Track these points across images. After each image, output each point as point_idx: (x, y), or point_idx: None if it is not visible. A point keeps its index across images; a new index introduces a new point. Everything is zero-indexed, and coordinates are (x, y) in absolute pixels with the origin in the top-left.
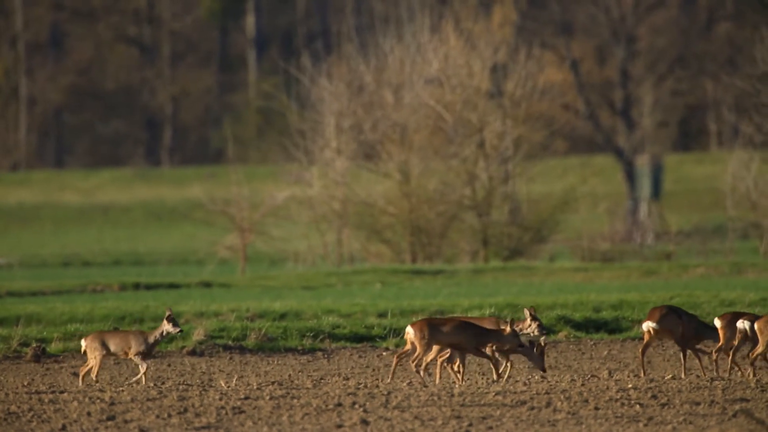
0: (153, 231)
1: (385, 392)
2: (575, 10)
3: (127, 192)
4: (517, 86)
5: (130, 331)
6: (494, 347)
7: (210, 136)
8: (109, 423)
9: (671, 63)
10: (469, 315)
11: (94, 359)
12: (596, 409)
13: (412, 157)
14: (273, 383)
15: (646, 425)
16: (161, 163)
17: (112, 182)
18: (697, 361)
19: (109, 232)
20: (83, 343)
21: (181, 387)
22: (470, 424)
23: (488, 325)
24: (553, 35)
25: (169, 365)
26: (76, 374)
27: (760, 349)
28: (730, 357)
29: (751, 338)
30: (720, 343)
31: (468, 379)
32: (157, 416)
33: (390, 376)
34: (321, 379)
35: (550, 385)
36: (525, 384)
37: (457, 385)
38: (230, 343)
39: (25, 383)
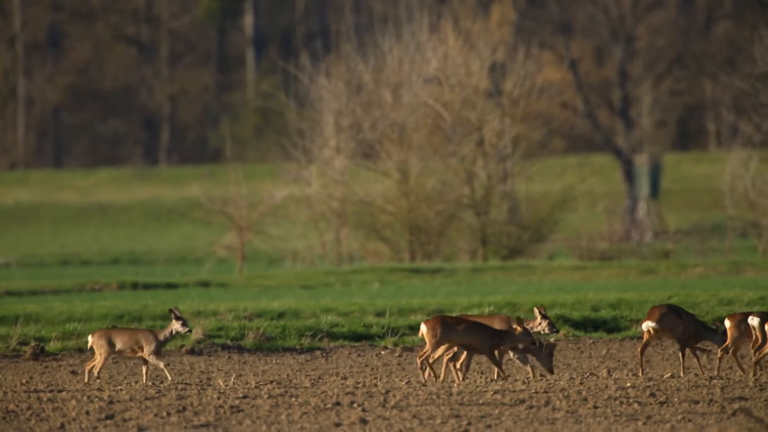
0: (151, 230)
1: (384, 391)
2: (574, 9)
3: (126, 191)
4: (516, 85)
5: (140, 330)
6: (507, 347)
7: (208, 136)
8: (108, 422)
9: (670, 62)
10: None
11: (99, 356)
12: (595, 407)
13: (411, 156)
14: (271, 382)
15: (644, 424)
16: (159, 163)
17: (111, 182)
18: (695, 360)
19: (108, 231)
20: (90, 339)
21: (179, 386)
22: (469, 423)
23: (498, 323)
24: (552, 35)
25: (167, 364)
26: (74, 372)
27: (767, 349)
28: (732, 355)
29: (760, 337)
30: (727, 343)
31: (467, 378)
32: (156, 415)
33: (425, 377)
34: (319, 378)
35: (549, 384)
36: (524, 383)
37: (456, 384)
38: (228, 342)
39: (24, 382)
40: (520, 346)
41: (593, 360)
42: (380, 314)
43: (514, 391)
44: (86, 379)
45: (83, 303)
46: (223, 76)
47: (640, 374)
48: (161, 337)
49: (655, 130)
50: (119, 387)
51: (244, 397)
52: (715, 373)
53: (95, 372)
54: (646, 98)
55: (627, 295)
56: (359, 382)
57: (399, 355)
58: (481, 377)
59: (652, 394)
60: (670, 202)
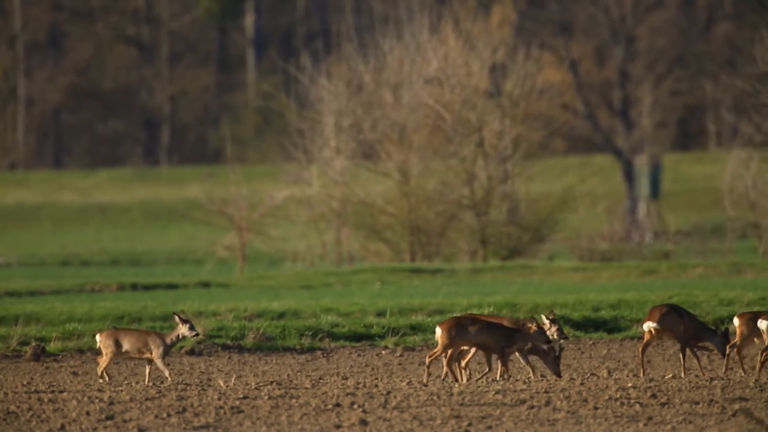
0: (151, 231)
1: (385, 392)
2: (574, 10)
3: (126, 192)
4: (516, 86)
5: (148, 332)
6: (522, 346)
7: (208, 136)
8: (108, 422)
9: (670, 63)
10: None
11: (105, 356)
12: (595, 408)
13: (411, 157)
14: (271, 383)
15: (645, 425)
16: (160, 163)
17: (111, 182)
18: (695, 360)
19: (108, 231)
20: (98, 338)
21: (179, 386)
22: (470, 424)
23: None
24: (552, 35)
25: (167, 365)
26: (75, 373)
27: None
28: (737, 353)
29: (767, 340)
30: (735, 340)
31: (466, 378)
32: (156, 416)
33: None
34: (320, 378)
35: (550, 384)
36: (524, 383)
37: (456, 385)
38: (229, 342)
39: (24, 382)
40: (529, 344)
41: (594, 360)
42: (381, 314)
43: (515, 392)
44: (106, 380)
45: (83, 303)
46: (224, 76)
47: (641, 375)
48: (168, 340)
49: (655, 130)
50: (120, 388)
51: (245, 397)
52: (723, 371)
53: (98, 370)
54: (647, 99)
55: (627, 296)
56: (360, 383)
57: (400, 356)
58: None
59: (653, 395)
60: (670, 202)
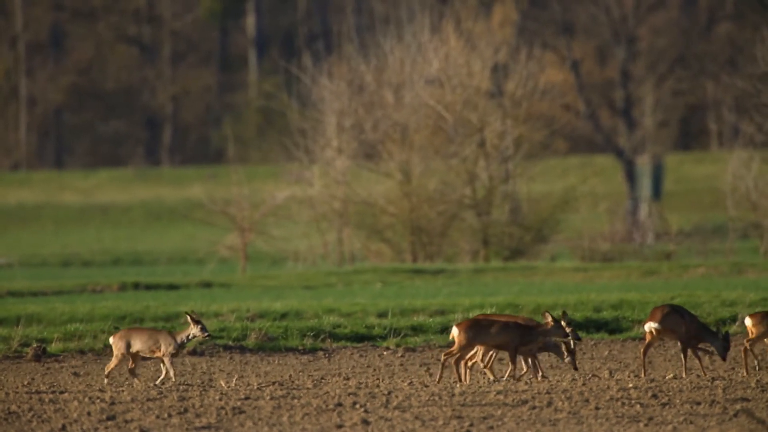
0: (153, 231)
1: (386, 392)
2: (576, 10)
3: (127, 192)
4: (518, 86)
5: (159, 331)
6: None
7: (210, 136)
8: (110, 423)
9: (672, 63)
10: (473, 314)
11: (115, 358)
12: (597, 408)
13: (413, 157)
14: (273, 383)
15: (646, 425)
16: (161, 163)
17: (112, 182)
18: (697, 361)
19: (109, 231)
20: (111, 339)
21: (181, 387)
22: (471, 424)
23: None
24: (554, 35)
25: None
26: (76, 374)
27: None
28: (744, 354)
29: None
30: (751, 337)
31: (468, 378)
32: (158, 416)
33: (464, 379)
34: (321, 378)
35: (551, 385)
36: (526, 383)
37: (458, 385)
38: (230, 343)
39: (26, 383)
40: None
41: (595, 361)
42: (382, 315)
43: (517, 392)
44: (137, 382)
45: (85, 304)
46: (225, 76)
47: (642, 375)
48: (179, 339)
49: (656, 130)
50: (121, 388)
51: (246, 398)
52: (745, 372)
53: (106, 371)
54: (648, 99)
55: (629, 296)
56: (361, 383)
57: (401, 356)
58: (483, 378)
59: (654, 396)
60: (671, 202)
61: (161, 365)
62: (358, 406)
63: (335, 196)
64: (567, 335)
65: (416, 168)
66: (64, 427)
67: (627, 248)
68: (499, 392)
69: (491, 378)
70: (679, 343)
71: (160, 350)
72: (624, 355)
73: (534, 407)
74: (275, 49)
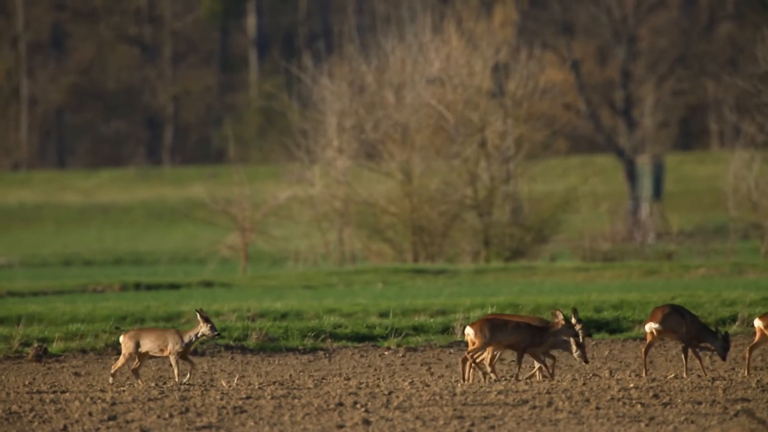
0: (154, 231)
1: (387, 392)
2: (576, 10)
3: (128, 192)
4: (519, 86)
5: (167, 330)
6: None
7: (211, 136)
8: (111, 423)
9: (672, 63)
10: (474, 315)
11: (122, 357)
12: (598, 408)
13: (414, 157)
14: (274, 383)
15: (647, 425)
16: (162, 163)
17: (113, 182)
18: (697, 361)
19: (110, 231)
20: (121, 339)
21: (182, 387)
22: (472, 424)
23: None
24: (555, 35)
25: (170, 365)
26: (78, 374)
27: None
28: (749, 354)
29: None
30: (755, 341)
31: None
32: (159, 416)
33: (464, 379)
34: (322, 378)
35: (552, 385)
36: (527, 383)
37: (459, 385)
38: (231, 343)
39: (27, 383)
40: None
41: (596, 361)
42: (383, 315)
43: (517, 392)
44: (139, 382)
45: (86, 304)
46: (226, 76)
47: (643, 375)
48: (186, 338)
49: (657, 130)
50: (122, 388)
51: (247, 397)
52: (746, 372)
53: (113, 370)
54: (649, 99)
55: (629, 296)
56: (362, 383)
57: (402, 356)
58: (484, 378)
59: (655, 395)
60: (672, 203)
61: (181, 363)
62: (359, 405)
63: (336, 196)
64: (577, 335)
65: (417, 168)
66: (65, 427)
67: (628, 248)
68: (500, 392)
69: (493, 378)
70: (679, 344)
71: (167, 349)
72: (625, 355)
73: (535, 407)
74: (276, 49)
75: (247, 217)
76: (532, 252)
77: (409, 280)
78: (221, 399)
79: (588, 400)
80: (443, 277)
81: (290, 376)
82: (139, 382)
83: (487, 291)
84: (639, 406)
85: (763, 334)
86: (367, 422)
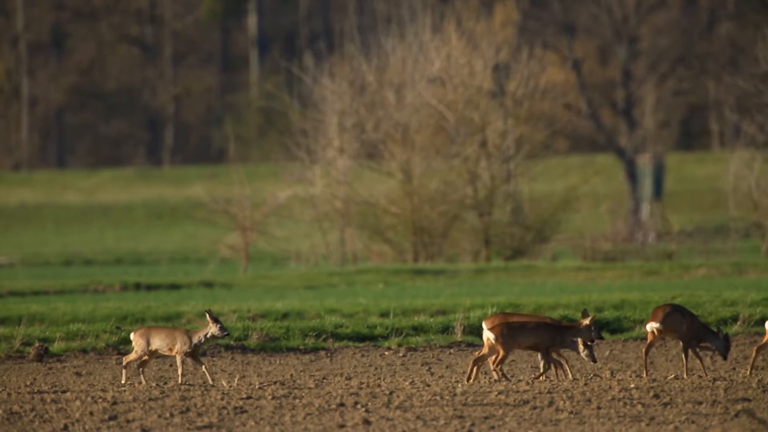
0: (154, 230)
1: (388, 392)
2: (577, 10)
3: (129, 192)
4: (519, 86)
5: (177, 329)
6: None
7: (212, 136)
8: (111, 423)
9: (673, 63)
10: (474, 315)
11: (134, 353)
12: (599, 408)
13: (414, 157)
14: (275, 383)
15: (648, 425)
16: (163, 163)
17: (114, 182)
18: (698, 361)
19: (111, 231)
20: (132, 336)
21: (183, 387)
22: (473, 424)
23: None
24: (555, 35)
25: (171, 365)
26: (78, 374)
27: None
28: (756, 354)
29: None
30: (763, 342)
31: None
32: (159, 416)
33: (467, 378)
34: (323, 378)
35: (553, 385)
36: (528, 383)
37: (460, 384)
38: (232, 342)
39: (28, 383)
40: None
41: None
42: (384, 315)
43: (518, 392)
44: (143, 381)
45: (87, 303)
46: (227, 76)
47: (643, 375)
48: (195, 339)
49: (658, 130)
50: (123, 388)
51: (248, 398)
52: (749, 372)
53: (124, 362)
54: (649, 98)
55: (630, 296)
56: (363, 383)
57: (403, 356)
58: (485, 378)
59: (656, 395)
60: (673, 202)
61: (192, 363)
62: (359, 405)
63: (337, 195)
64: (596, 338)
65: (417, 168)
66: (66, 427)
67: (628, 248)
68: (500, 392)
69: (495, 378)
70: (680, 343)
71: (175, 348)
72: (625, 355)
73: (535, 407)
74: (277, 48)
75: (248, 217)
76: (533, 252)
77: (410, 280)
78: (222, 399)
79: (589, 400)
80: (443, 277)
81: (291, 376)
82: (144, 381)
83: (487, 291)
84: (640, 406)
85: None
86: (367, 422)
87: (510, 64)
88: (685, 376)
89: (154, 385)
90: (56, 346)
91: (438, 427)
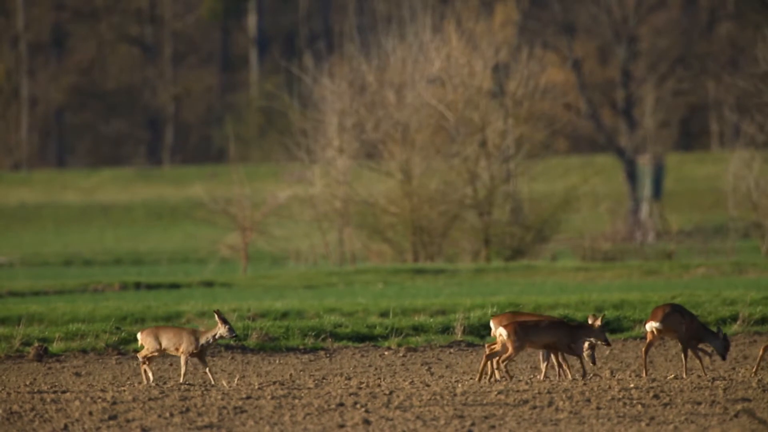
0: (154, 230)
1: (387, 392)
2: (577, 10)
3: (129, 191)
4: (519, 86)
5: (184, 329)
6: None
7: (212, 136)
8: (111, 422)
9: (673, 63)
10: (474, 315)
11: (146, 350)
12: (598, 408)
13: (414, 157)
14: (274, 383)
15: (647, 425)
16: (163, 163)
17: (114, 182)
18: (697, 361)
19: (111, 231)
20: (139, 336)
21: (183, 387)
22: (473, 424)
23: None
24: (555, 35)
25: (171, 365)
26: (78, 374)
27: None
28: (763, 353)
29: None
30: None
31: (470, 378)
32: (159, 416)
33: (479, 377)
34: (323, 378)
35: (552, 385)
36: (527, 383)
37: (459, 384)
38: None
39: (27, 383)
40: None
41: (596, 361)
42: (384, 315)
43: (518, 392)
44: (151, 378)
45: (86, 303)
46: (227, 76)
47: (643, 375)
48: (203, 340)
49: (657, 130)
50: (122, 388)
51: (248, 397)
52: (753, 371)
53: (140, 357)
54: (649, 98)
55: (630, 296)
56: (363, 383)
57: (402, 356)
58: (484, 377)
59: (656, 395)
60: (672, 202)
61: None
62: (359, 405)
63: (336, 195)
64: (607, 340)
65: (417, 167)
66: (65, 426)
67: (628, 248)
68: (500, 392)
69: (497, 377)
70: (679, 343)
71: (181, 348)
72: (625, 355)
73: (535, 407)
74: (277, 48)
75: (247, 217)
76: (533, 251)
77: (409, 279)
78: (221, 399)
79: (589, 400)
80: (443, 277)
81: (290, 375)
82: (148, 380)
83: (487, 291)
84: (639, 406)
85: None
86: (367, 422)
87: (510, 64)
88: (684, 376)
89: (153, 385)
90: (56, 346)
91: (438, 427)
